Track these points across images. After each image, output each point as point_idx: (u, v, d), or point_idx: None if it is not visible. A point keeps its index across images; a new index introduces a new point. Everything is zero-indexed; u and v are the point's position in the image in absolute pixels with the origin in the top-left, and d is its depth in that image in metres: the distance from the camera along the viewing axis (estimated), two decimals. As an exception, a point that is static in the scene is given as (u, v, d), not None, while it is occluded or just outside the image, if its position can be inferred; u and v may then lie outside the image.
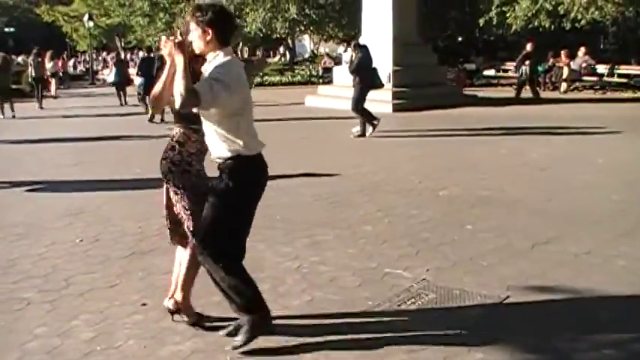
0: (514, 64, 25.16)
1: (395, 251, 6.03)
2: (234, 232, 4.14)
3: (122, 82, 22.68)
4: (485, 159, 10.73)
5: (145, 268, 5.77)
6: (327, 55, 35.15)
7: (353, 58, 14.09)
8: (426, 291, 5.06)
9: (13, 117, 19.39)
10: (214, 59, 3.95)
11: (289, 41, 37.68)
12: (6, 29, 61.40)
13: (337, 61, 29.51)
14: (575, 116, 16.28)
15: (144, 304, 4.95)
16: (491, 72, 27.57)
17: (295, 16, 31.34)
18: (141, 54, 28.16)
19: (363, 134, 13.40)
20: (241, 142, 3.96)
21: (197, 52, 3.96)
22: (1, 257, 6.18)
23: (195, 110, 3.95)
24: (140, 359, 4.14)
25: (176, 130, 4.35)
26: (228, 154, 3.99)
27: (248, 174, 4.05)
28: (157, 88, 4.12)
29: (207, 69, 3.95)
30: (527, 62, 21.12)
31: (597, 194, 8.24)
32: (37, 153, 12.74)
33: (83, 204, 8.14)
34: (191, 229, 4.30)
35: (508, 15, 26.90)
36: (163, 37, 3.90)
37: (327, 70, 28.64)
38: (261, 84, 30.17)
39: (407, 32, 19.81)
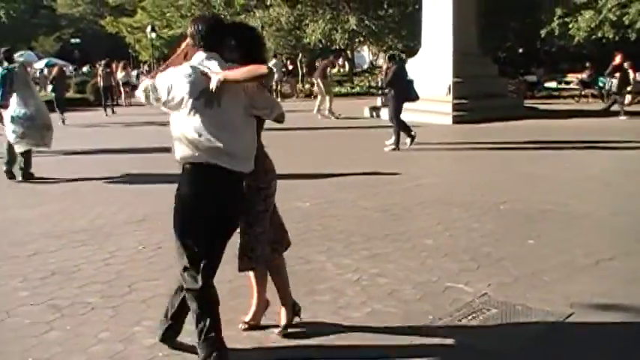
0: (577, 75, 24.80)
1: (456, 265, 5.98)
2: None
3: None
4: (547, 172, 10.56)
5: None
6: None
7: (387, 70, 14.04)
8: (488, 306, 5.00)
9: (63, 122, 20.59)
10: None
11: (348, 52, 37.70)
12: (72, 40, 63.04)
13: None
14: (641, 129, 15.93)
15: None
16: (552, 84, 27.15)
17: (355, 27, 31.42)
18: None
19: (397, 147, 13.30)
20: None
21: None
22: (66, 262, 6.33)
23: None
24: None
25: None
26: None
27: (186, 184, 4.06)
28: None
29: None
30: (616, 75, 20.52)
31: (664, 210, 8.03)
32: (102, 161, 13.02)
33: (146, 212, 8.30)
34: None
35: (570, 26, 26.55)
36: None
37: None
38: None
39: (467, 43, 19.69)
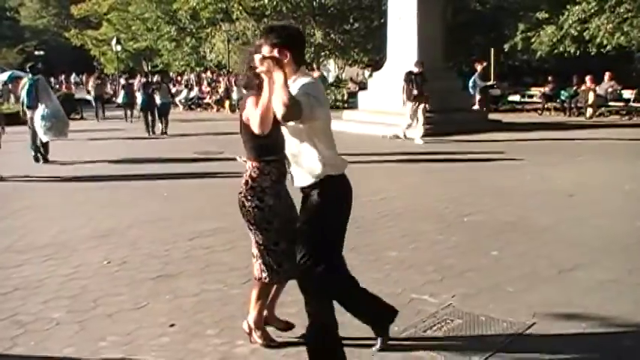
0: (540, 89, 25.14)
1: (420, 277, 6.04)
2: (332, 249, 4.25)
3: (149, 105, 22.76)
4: (510, 185, 10.70)
5: (172, 290, 5.83)
6: (352, 80, 35.27)
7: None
8: (452, 317, 5.07)
9: None
10: (295, 81, 3.93)
11: (314, 66, 37.84)
12: (36, 52, 62.39)
13: (362, 86, 29.55)
14: (602, 142, 16.21)
15: (172, 325, 5.00)
16: (516, 97, 27.51)
17: (320, 41, 31.58)
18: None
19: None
20: (330, 161, 4.03)
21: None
22: (30, 277, 6.27)
23: (287, 129, 4.01)
24: (167, 381, 4.18)
25: (249, 164, 4.42)
26: (317, 177, 4.03)
27: (337, 194, 4.12)
28: (263, 105, 3.85)
29: (292, 89, 3.85)
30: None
31: (624, 221, 8.19)
32: (67, 171, 12.91)
33: (110, 227, 8.25)
34: (263, 264, 4.50)
35: (533, 40, 26.96)
36: (258, 56, 3.83)
37: (352, 95, 28.72)
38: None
39: (432, 57, 19.86)
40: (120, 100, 26.19)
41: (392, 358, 4.39)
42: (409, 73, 16.69)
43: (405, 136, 16.77)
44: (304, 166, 4.04)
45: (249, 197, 4.36)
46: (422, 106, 16.62)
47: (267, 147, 4.22)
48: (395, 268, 6.31)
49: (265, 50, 3.91)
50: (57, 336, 4.89)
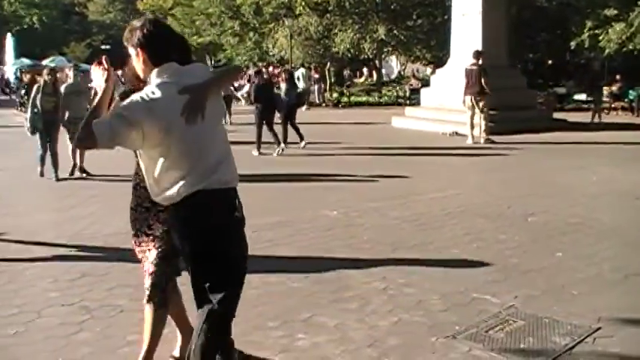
0: (607, 88, 24.58)
1: (483, 276, 5.97)
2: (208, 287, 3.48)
3: None
4: (575, 185, 10.49)
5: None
6: (414, 76, 35.08)
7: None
8: (515, 318, 4.99)
9: None
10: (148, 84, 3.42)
11: (376, 62, 37.76)
12: (102, 46, 63.71)
13: (424, 82, 29.37)
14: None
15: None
16: (582, 96, 26.96)
17: (383, 37, 31.47)
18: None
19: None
20: (175, 183, 3.32)
21: (141, 76, 3.52)
22: (98, 265, 6.42)
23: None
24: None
25: None
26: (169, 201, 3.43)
27: (191, 218, 3.36)
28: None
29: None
30: None
31: (695, 225, 7.95)
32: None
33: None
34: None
35: (601, 38, 26.35)
36: (93, 66, 3.58)
37: (415, 92, 28.58)
38: (348, 103, 30.42)
39: (496, 55, 19.60)
40: None
41: (453, 357, 4.35)
42: (466, 68, 16.52)
43: (473, 136, 16.44)
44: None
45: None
46: (480, 103, 16.26)
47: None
48: (457, 267, 6.26)
49: (131, 51, 3.50)
50: (121, 323, 4.99)
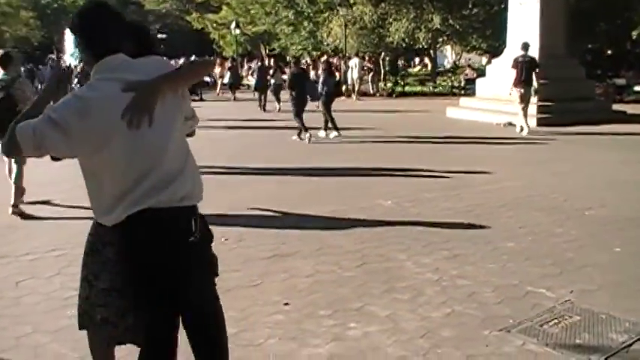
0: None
1: (537, 270, 5.89)
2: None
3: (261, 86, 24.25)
4: (634, 180, 10.23)
5: (287, 270, 5.94)
6: (470, 66, 34.66)
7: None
8: (570, 313, 4.92)
9: None
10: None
11: (431, 52, 37.40)
12: (158, 35, 64.50)
13: (480, 72, 28.98)
14: None
15: (286, 304, 5.10)
16: (642, 87, 26.29)
17: (439, 26, 31.17)
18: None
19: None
20: (117, 201, 2.84)
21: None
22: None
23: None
24: (280, 359, 4.27)
25: None
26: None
27: (135, 244, 2.91)
28: None
29: None
30: None
31: None
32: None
33: (228, 204, 8.45)
34: None
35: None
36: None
37: (469, 82, 28.25)
38: (402, 93, 30.25)
39: (554, 44, 19.27)
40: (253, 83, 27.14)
41: (506, 351, 4.31)
42: (515, 59, 16.31)
43: (523, 126, 16.23)
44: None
45: None
46: (526, 94, 16.04)
47: None
48: (511, 259, 6.18)
49: None
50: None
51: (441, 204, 8.51)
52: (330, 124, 15.32)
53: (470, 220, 7.67)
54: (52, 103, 2.85)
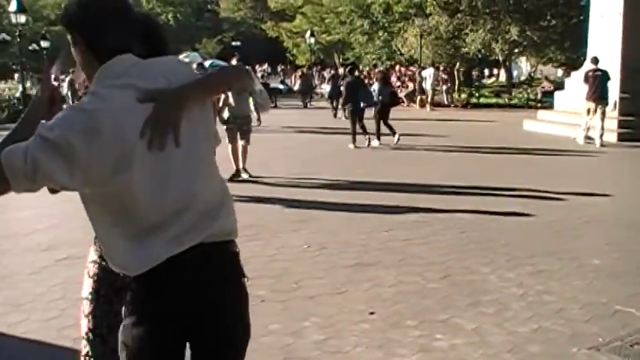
0: None
1: (625, 288, 5.76)
2: None
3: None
4: None
5: (370, 279, 5.97)
6: (547, 78, 34.09)
7: None
8: (662, 333, 4.81)
9: None
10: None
11: (506, 63, 36.94)
12: (233, 43, 65.57)
13: (557, 85, 28.45)
14: None
15: (372, 313, 5.13)
16: None
17: (516, 38, 30.79)
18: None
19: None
20: (132, 245, 2.16)
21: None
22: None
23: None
24: (368, 367, 4.31)
25: None
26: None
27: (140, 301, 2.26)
28: None
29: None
30: None
31: None
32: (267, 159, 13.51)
33: (307, 212, 8.56)
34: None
35: None
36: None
37: (547, 95, 27.77)
38: (477, 104, 30.00)
39: (636, 58, 18.78)
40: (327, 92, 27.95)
41: (597, 370, 4.25)
42: (586, 73, 16.21)
43: (586, 138, 16.02)
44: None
45: None
46: (598, 108, 15.77)
47: None
48: (598, 277, 6.07)
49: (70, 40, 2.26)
50: (263, 312, 5.12)
51: (522, 218, 8.40)
52: (393, 129, 15.81)
53: (552, 236, 7.56)
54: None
